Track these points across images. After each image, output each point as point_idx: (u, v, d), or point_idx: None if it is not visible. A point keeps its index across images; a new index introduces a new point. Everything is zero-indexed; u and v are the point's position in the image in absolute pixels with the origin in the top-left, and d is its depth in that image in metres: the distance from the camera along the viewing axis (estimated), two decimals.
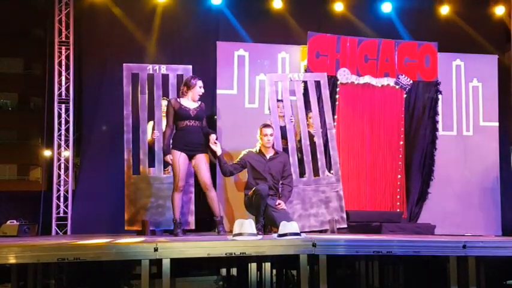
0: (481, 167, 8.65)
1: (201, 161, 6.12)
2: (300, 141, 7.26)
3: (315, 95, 7.33)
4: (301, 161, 7.15)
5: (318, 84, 7.41)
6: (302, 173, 7.09)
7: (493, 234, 8.31)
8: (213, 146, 6.21)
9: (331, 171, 7.22)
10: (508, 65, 9.38)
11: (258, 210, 6.23)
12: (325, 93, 7.38)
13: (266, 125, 6.65)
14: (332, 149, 7.24)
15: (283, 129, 7.19)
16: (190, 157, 6.15)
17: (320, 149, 7.19)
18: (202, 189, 6.22)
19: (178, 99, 6.21)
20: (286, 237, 4.82)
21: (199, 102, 6.26)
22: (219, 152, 6.28)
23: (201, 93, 6.21)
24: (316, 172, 7.12)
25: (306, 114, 7.34)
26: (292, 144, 7.12)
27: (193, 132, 6.14)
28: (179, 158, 6.08)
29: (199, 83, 6.23)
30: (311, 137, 7.26)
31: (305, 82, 7.45)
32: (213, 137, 6.20)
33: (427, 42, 8.48)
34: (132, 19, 8.52)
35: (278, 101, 7.38)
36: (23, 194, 13.27)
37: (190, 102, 6.19)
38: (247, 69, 8.18)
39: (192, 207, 6.77)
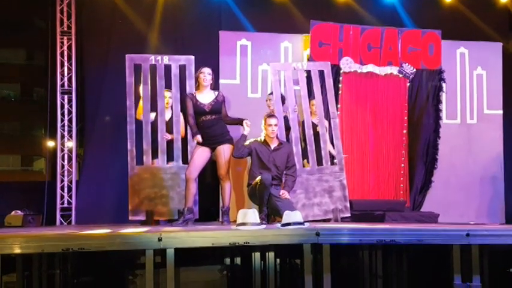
0: (484, 155, 8.64)
1: (220, 152, 6.20)
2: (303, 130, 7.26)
3: (319, 84, 7.32)
4: (304, 151, 7.16)
5: (321, 73, 7.40)
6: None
7: (497, 222, 8.32)
8: (244, 125, 6.27)
9: (335, 161, 7.23)
10: None
11: (262, 199, 6.23)
12: (329, 82, 7.37)
13: (271, 115, 6.64)
14: (335, 138, 7.24)
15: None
16: (213, 149, 6.23)
17: (323, 138, 7.19)
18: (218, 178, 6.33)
19: (194, 94, 6.27)
20: (290, 226, 4.84)
21: (216, 93, 6.28)
22: (245, 132, 6.32)
23: (207, 80, 6.20)
24: (319, 161, 7.13)
25: (309, 102, 7.34)
26: (296, 134, 7.11)
27: (210, 126, 6.17)
28: (197, 150, 6.20)
29: (203, 69, 6.24)
30: (314, 126, 7.25)
31: (308, 71, 7.43)
32: (247, 121, 6.28)
33: (430, 30, 8.43)
34: (134, 9, 8.48)
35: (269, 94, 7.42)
36: (27, 184, 13.27)
37: (204, 95, 6.22)
38: (250, 59, 8.16)
39: (196, 197, 6.78)
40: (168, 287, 4.44)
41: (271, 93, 7.36)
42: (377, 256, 5.72)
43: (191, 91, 6.63)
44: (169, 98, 7.07)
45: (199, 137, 6.13)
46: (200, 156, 6.18)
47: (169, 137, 6.97)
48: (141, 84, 7.03)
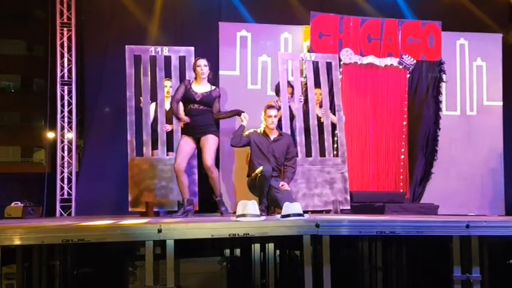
0: (484, 147, 8.63)
1: (205, 143, 6.12)
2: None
3: (326, 76, 7.31)
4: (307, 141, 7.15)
5: (328, 65, 7.39)
6: (308, 153, 7.09)
7: (496, 213, 8.33)
8: (242, 117, 6.26)
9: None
10: None
11: (262, 191, 6.24)
12: (336, 75, 7.38)
13: (270, 106, 6.63)
14: (339, 130, 7.23)
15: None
16: (198, 140, 6.17)
17: (327, 129, 7.19)
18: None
19: (190, 81, 6.25)
20: (290, 218, 4.83)
21: (213, 88, 6.26)
22: (244, 123, 6.32)
23: (204, 73, 6.17)
24: (322, 153, 7.12)
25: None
26: (300, 124, 7.10)
27: (196, 115, 6.13)
28: (181, 141, 6.18)
29: (198, 62, 6.20)
30: (319, 117, 7.24)
31: (313, 63, 7.41)
32: (245, 114, 6.27)
33: (430, 21, 8.41)
34: (134, 0, 8.46)
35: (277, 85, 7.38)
36: (27, 176, 13.31)
37: (200, 86, 6.19)
38: (250, 50, 8.14)
39: (196, 188, 6.78)
40: (167, 278, 4.45)
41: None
42: (377, 248, 5.72)
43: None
44: (169, 88, 7.06)
45: (186, 117, 6.13)
46: (185, 147, 6.14)
47: (169, 128, 6.96)
48: (141, 75, 7.01)
